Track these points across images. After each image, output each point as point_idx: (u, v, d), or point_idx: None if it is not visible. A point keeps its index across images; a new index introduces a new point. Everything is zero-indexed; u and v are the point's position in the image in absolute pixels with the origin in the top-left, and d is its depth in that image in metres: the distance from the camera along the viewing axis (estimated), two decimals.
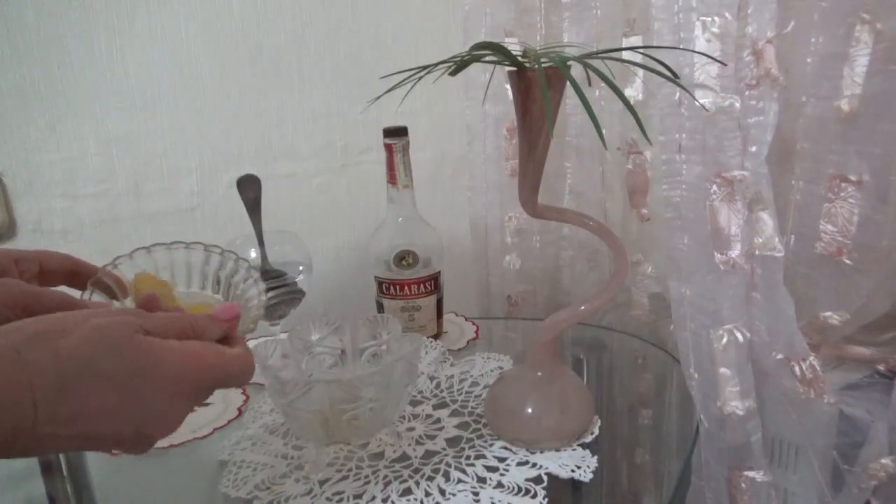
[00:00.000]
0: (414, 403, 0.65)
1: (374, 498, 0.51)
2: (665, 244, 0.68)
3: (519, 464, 0.54)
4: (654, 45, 0.64)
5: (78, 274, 0.44)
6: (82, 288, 0.44)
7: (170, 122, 0.86)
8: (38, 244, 0.81)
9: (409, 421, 0.62)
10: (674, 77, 0.43)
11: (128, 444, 0.32)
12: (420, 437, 0.59)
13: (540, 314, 0.96)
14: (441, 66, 0.43)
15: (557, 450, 0.56)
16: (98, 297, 0.44)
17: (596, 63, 0.43)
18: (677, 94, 0.63)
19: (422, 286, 0.77)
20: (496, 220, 0.96)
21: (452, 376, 0.71)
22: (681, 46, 0.61)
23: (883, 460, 0.62)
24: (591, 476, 0.52)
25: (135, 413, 0.31)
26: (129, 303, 0.45)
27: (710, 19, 0.59)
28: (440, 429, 0.61)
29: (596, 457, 0.55)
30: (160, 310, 0.38)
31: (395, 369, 0.52)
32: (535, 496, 0.50)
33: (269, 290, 0.68)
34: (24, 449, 0.28)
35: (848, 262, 0.63)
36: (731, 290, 0.64)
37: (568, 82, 0.40)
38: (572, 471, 0.53)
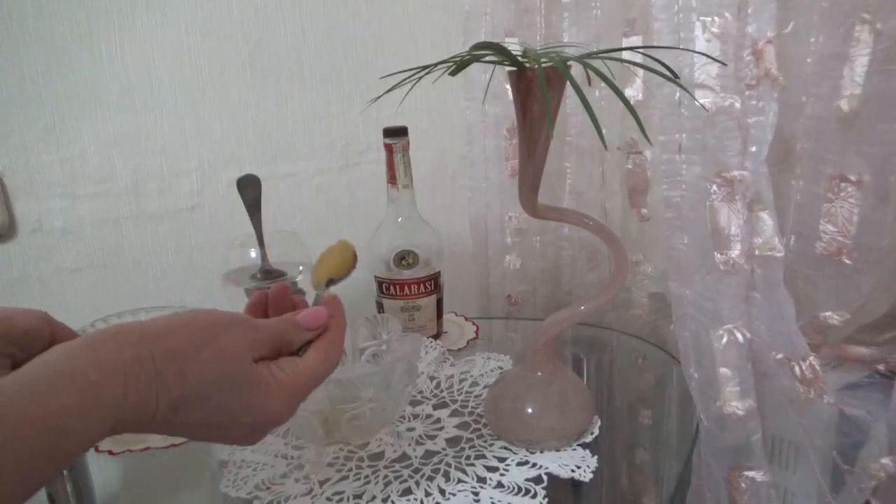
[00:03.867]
0: (414, 403, 0.65)
1: (374, 498, 0.51)
2: (665, 244, 0.68)
3: (519, 464, 0.54)
4: (654, 45, 0.64)
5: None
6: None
7: (170, 122, 0.86)
8: (39, 244, 0.81)
9: (409, 421, 0.62)
10: (674, 77, 0.43)
11: (220, 441, 0.37)
12: (420, 437, 0.59)
13: (540, 314, 0.96)
14: (441, 66, 0.43)
15: (557, 450, 0.56)
16: None
17: (596, 63, 0.43)
18: (677, 94, 0.63)
19: (422, 286, 0.77)
20: (496, 220, 0.96)
21: (452, 376, 0.71)
22: (681, 46, 0.61)
23: (883, 460, 0.62)
24: (591, 476, 0.52)
25: (234, 435, 0.36)
26: None
27: (710, 19, 0.59)
28: (440, 429, 0.61)
29: (596, 457, 0.55)
30: (289, 300, 0.43)
31: (395, 369, 0.52)
32: (535, 496, 0.50)
33: (268, 290, 0.68)
34: (140, 430, 0.32)
35: (848, 262, 0.63)
36: (731, 290, 0.64)
37: (568, 82, 0.40)
38: (572, 471, 0.53)
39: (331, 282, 0.48)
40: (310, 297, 0.46)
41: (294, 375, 0.37)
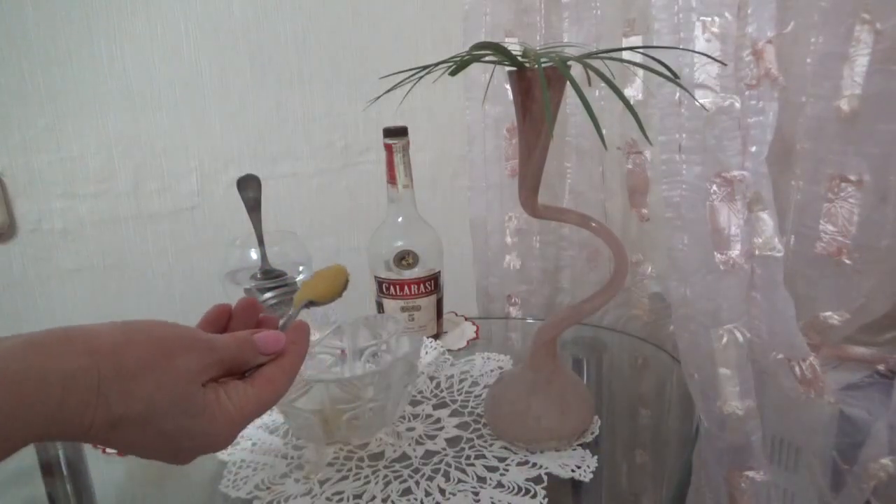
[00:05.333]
0: (414, 403, 0.65)
1: (374, 498, 0.51)
2: (665, 244, 0.68)
3: (519, 464, 0.54)
4: (654, 45, 0.64)
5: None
6: None
7: (170, 122, 0.86)
8: (39, 244, 0.81)
9: (409, 421, 0.62)
10: (674, 77, 0.43)
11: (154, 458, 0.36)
12: (420, 437, 0.59)
13: (540, 314, 0.96)
14: (441, 66, 0.43)
15: (557, 450, 0.56)
16: None
17: (596, 63, 0.43)
18: (677, 94, 0.63)
19: (422, 286, 0.77)
20: (496, 220, 0.96)
21: (452, 376, 0.71)
22: (681, 46, 0.61)
23: (883, 460, 0.62)
24: (591, 476, 0.52)
25: (166, 455, 0.35)
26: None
27: (710, 19, 0.59)
28: (440, 429, 0.61)
29: (596, 457, 0.55)
30: (255, 319, 0.42)
31: (395, 369, 0.52)
32: (535, 496, 0.50)
33: (268, 290, 0.68)
34: (71, 440, 0.32)
35: (848, 262, 0.63)
36: (731, 290, 0.64)
37: (568, 82, 0.40)
38: (572, 471, 0.53)
39: (311, 304, 0.47)
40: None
41: (240, 406, 0.36)
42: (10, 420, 0.28)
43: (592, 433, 0.58)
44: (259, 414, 0.37)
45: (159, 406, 0.32)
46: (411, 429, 0.61)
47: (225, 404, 0.35)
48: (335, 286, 0.49)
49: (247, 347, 0.38)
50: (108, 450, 0.61)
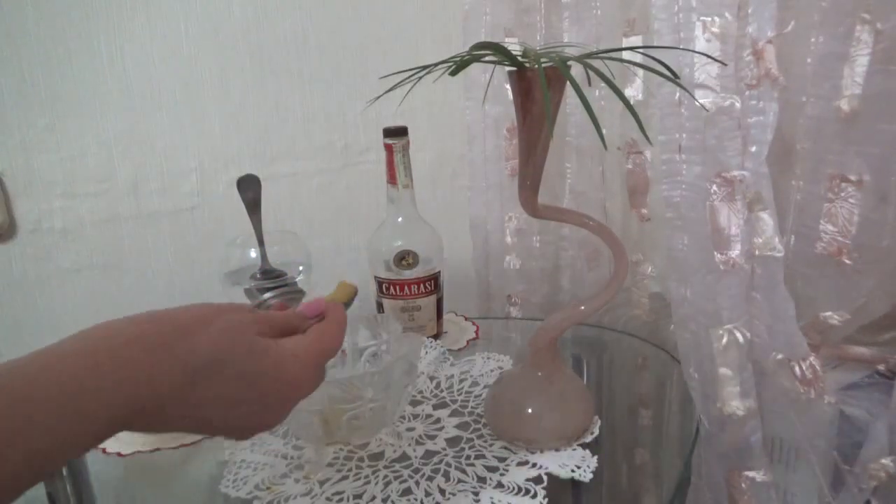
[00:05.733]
0: (414, 403, 0.65)
1: (374, 498, 0.51)
2: (665, 244, 0.68)
3: (519, 464, 0.54)
4: (654, 45, 0.64)
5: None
6: None
7: (170, 122, 0.86)
8: (38, 244, 0.81)
9: (409, 421, 0.62)
10: (674, 77, 0.43)
11: (238, 432, 0.36)
12: (420, 437, 0.59)
13: (540, 314, 0.96)
14: (441, 66, 0.43)
15: (557, 450, 0.56)
16: None
17: (596, 63, 0.43)
18: (677, 94, 0.63)
19: (422, 286, 0.77)
20: (496, 220, 0.96)
21: (452, 376, 0.71)
22: (681, 46, 0.61)
23: (883, 460, 0.62)
24: (591, 476, 0.52)
25: (254, 406, 0.35)
26: None
27: (710, 19, 0.59)
28: (440, 429, 0.61)
29: (596, 457, 0.55)
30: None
31: (395, 369, 0.52)
32: (535, 496, 0.50)
33: (268, 290, 0.68)
34: (149, 423, 0.31)
35: (848, 262, 0.63)
36: (731, 290, 0.64)
37: (568, 82, 0.40)
38: (572, 471, 0.53)
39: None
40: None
41: (303, 346, 0.38)
42: (100, 388, 0.28)
43: (592, 433, 0.58)
44: (325, 355, 0.39)
45: (226, 349, 0.33)
46: (411, 429, 0.61)
47: (288, 345, 0.37)
48: (347, 293, 0.58)
49: (291, 314, 0.41)
50: (108, 450, 0.61)
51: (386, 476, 0.54)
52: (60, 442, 0.26)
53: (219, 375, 0.32)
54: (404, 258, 0.76)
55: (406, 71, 0.44)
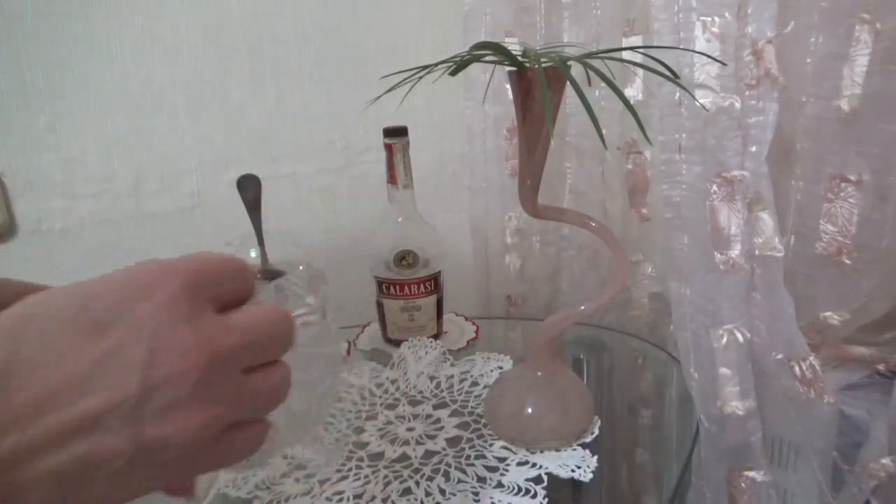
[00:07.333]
0: (414, 403, 0.65)
1: (374, 498, 0.51)
2: (665, 244, 0.68)
3: (519, 464, 0.54)
4: (654, 45, 0.64)
5: None
6: None
7: (170, 122, 0.86)
8: (38, 244, 0.81)
9: (410, 421, 0.62)
10: (674, 77, 0.43)
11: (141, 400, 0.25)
12: (420, 437, 0.59)
13: (540, 314, 0.96)
14: (441, 66, 0.43)
15: (557, 450, 0.56)
16: None
17: (596, 63, 0.43)
18: (677, 94, 0.63)
19: (422, 286, 0.77)
20: (496, 220, 0.96)
21: (452, 376, 0.71)
22: (681, 46, 0.61)
23: (883, 460, 0.62)
24: (591, 476, 0.52)
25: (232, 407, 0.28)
26: None
27: (710, 19, 0.59)
28: (440, 429, 0.61)
29: (596, 457, 0.55)
30: None
31: (310, 367, 0.43)
32: (535, 496, 0.50)
33: None
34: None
35: (848, 262, 0.63)
36: (731, 290, 0.64)
37: (568, 82, 0.40)
38: (572, 471, 0.53)
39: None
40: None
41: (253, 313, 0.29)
42: None
43: (592, 433, 0.58)
44: (274, 319, 0.29)
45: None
46: (411, 429, 0.61)
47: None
48: None
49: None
50: None
51: (386, 476, 0.54)
52: None
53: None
54: (404, 258, 0.76)
55: (406, 71, 0.44)
